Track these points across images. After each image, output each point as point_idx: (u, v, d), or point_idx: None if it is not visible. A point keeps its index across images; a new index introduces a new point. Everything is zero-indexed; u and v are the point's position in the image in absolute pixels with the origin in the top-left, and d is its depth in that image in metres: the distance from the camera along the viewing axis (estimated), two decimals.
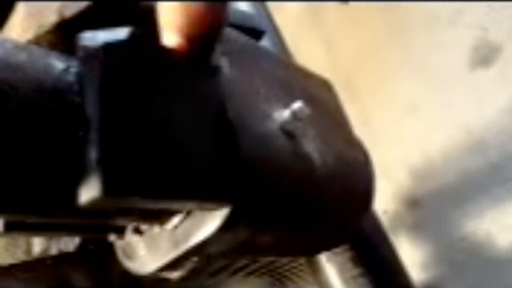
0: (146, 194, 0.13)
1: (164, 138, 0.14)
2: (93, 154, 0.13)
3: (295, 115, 0.19)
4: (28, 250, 0.33)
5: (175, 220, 0.18)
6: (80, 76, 0.14)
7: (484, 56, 0.79)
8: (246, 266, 0.43)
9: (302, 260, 0.50)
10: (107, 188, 0.12)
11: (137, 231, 0.19)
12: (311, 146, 0.21)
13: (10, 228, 0.17)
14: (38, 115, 0.13)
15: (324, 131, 0.22)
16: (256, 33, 0.29)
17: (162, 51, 0.15)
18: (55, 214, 0.14)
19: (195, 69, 0.16)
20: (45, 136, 0.13)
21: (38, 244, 0.32)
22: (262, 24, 0.33)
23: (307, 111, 0.19)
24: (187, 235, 0.18)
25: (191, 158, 0.15)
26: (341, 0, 0.97)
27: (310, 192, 0.21)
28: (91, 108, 0.13)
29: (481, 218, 0.76)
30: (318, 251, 0.26)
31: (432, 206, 0.81)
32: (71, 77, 0.14)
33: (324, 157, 0.21)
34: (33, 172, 0.13)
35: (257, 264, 0.45)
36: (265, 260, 0.44)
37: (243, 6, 0.44)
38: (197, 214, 0.18)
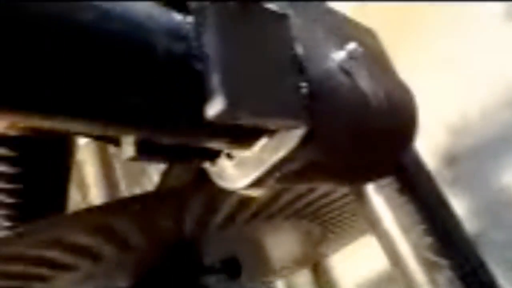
0: (253, 111, 0.18)
1: (262, 70, 0.19)
2: (215, 79, 0.17)
3: (350, 55, 0.24)
4: None
5: (260, 143, 0.23)
6: (194, 25, 0.19)
7: None
8: (299, 210, 0.48)
9: (349, 207, 0.55)
10: (230, 102, 0.17)
11: (228, 156, 0.24)
12: (364, 83, 0.25)
13: (141, 151, 0.22)
14: (170, 55, 0.18)
15: (374, 71, 0.26)
16: None
17: (253, 3, 0.19)
18: (183, 130, 0.19)
19: (273, 16, 0.21)
20: (174, 69, 0.18)
21: None
22: None
23: (361, 51, 0.24)
24: (271, 154, 0.23)
25: (279, 86, 0.20)
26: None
27: (366, 121, 0.25)
28: (210, 48, 0.18)
29: None
30: (370, 178, 0.30)
31: (470, 162, 0.83)
32: (187, 25, 0.19)
33: (375, 93, 0.25)
34: (164, 94, 0.18)
35: (308, 210, 0.49)
36: (315, 204, 0.49)
37: None
38: (278, 137, 0.22)
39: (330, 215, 0.53)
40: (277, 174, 0.24)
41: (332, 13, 0.27)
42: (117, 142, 0.31)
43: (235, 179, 0.24)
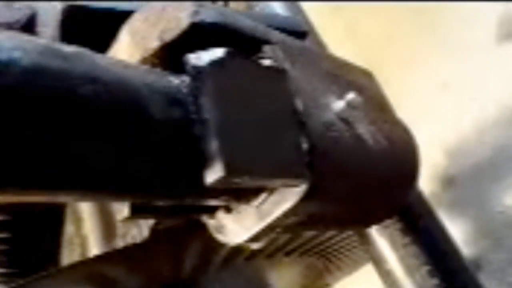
0: (253, 174, 0.17)
1: (262, 130, 0.18)
2: (214, 145, 0.17)
3: (349, 104, 0.23)
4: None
5: (260, 198, 0.22)
6: (191, 89, 0.18)
7: (509, 29, 0.80)
8: (298, 246, 0.47)
9: (351, 239, 0.54)
10: (229, 169, 0.16)
11: (227, 209, 0.24)
12: (363, 129, 0.24)
13: (135, 212, 0.21)
14: (167, 120, 0.17)
15: (372, 115, 0.26)
16: (300, 34, 0.33)
17: (250, 62, 0.19)
18: (181, 195, 0.19)
19: (271, 73, 0.20)
20: (171, 134, 0.17)
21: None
22: (301, 24, 0.37)
23: (359, 99, 0.23)
24: (271, 209, 0.22)
25: (279, 145, 0.19)
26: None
27: (367, 169, 0.25)
28: (208, 111, 0.17)
29: None
30: (373, 222, 0.30)
31: (468, 183, 0.83)
32: (185, 90, 0.18)
33: (375, 137, 0.25)
34: (162, 161, 0.17)
35: (308, 245, 0.48)
36: (315, 240, 0.48)
37: (278, 7, 0.48)
38: (279, 192, 0.22)
39: (331, 248, 0.52)
40: (277, 230, 0.23)
41: (330, 58, 0.27)
42: None
43: (235, 234, 0.23)
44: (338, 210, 0.25)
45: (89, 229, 0.78)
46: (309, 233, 0.44)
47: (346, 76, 0.26)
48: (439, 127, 0.85)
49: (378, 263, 0.33)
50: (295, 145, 0.20)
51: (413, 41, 0.90)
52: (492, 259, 0.82)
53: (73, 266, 0.32)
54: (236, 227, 0.23)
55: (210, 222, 0.25)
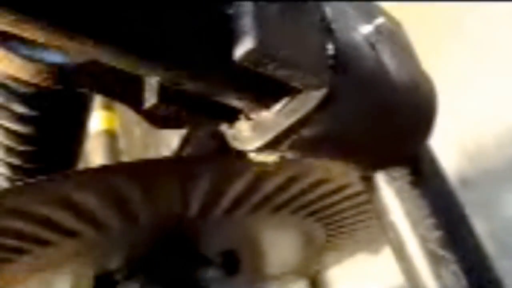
0: (280, 58, 0.18)
1: (292, 24, 0.19)
2: (246, 22, 0.18)
3: (377, 29, 0.24)
4: None
5: (280, 105, 0.23)
6: None
7: None
8: (305, 205, 0.48)
9: (355, 213, 0.54)
10: (259, 43, 0.17)
11: (247, 118, 0.24)
12: (388, 60, 0.25)
13: (163, 98, 0.22)
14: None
15: (398, 52, 0.27)
16: None
17: None
18: (209, 73, 0.20)
19: None
20: (204, 9, 0.18)
21: None
22: None
23: (388, 26, 0.24)
24: (289, 116, 0.23)
25: (306, 42, 0.20)
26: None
27: (385, 97, 0.25)
28: None
29: None
30: (383, 163, 0.30)
31: (482, 187, 0.82)
32: None
33: (398, 70, 0.26)
34: (194, 33, 0.18)
35: (314, 206, 0.49)
36: (321, 202, 0.48)
37: None
38: (298, 99, 0.22)
39: (335, 217, 0.53)
40: (293, 137, 0.24)
41: None
42: (136, 105, 0.32)
43: (250, 140, 0.24)
44: (352, 133, 0.25)
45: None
46: (318, 191, 0.45)
47: (379, 13, 0.27)
48: (457, 127, 0.85)
49: (382, 214, 0.33)
50: (321, 46, 0.21)
51: (437, 36, 0.89)
52: (502, 263, 0.80)
53: (85, 172, 0.33)
54: (252, 134, 0.24)
55: (229, 131, 0.26)
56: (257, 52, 0.18)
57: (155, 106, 0.23)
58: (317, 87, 0.21)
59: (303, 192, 0.43)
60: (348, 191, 0.46)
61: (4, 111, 0.39)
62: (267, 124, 0.24)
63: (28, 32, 0.17)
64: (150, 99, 0.23)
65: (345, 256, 0.74)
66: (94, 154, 0.86)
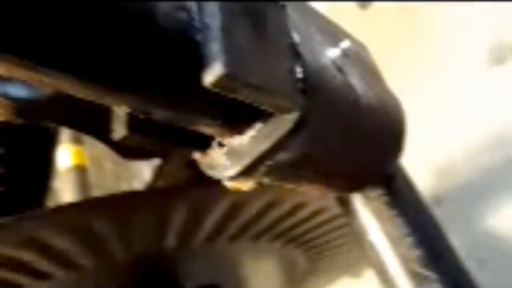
0: (250, 82, 0.18)
1: (260, 48, 0.19)
2: (215, 47, 0.18)
3: (344, 52, 0.24)
4: None
5: (253, 131, 0.23)
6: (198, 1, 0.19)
7: (500, 55, 0.83)
8: (284, 232, 0.47)
9: (336, 236, 0.54)
10: (228, 68, 0.17)
11: (220, 145, 0.24)
12: (355, 81, 0.25)
13: (132, 129, 0.22)
14: (170, 22, 0.18)
15: (365, 74, 0.27)
16: None
17: None
18: (178, 100, 0.19)
19: (272, 3, 0.21)
20: (173, 36, 0.18)
21: None
22: None
23: (354, 49, 0.24)
24: (263, 141, 0.23)
25: (275, 65, 0.20)
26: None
27: (356, 119, 0.26)
28: (211, 17, 0.18)
29: (504, 213, 0.78)
30: (359, 185, 0.30)
31: (456, 204, 0.83)
32: (191, 2, 0.19)
33: (366, 91, 0.26)
34: (162, 58, 0.18)
35: (294, 232, 0.49)
36: (301, 227, 0.48)
37: None
38: (271, 124, 0.22)
39: (316, 241, 0.52)
40: (268, 163, 0.23)
41: (326, 20, 0.28)
42: (104, 137, 0.31)
43: (225, 168, 0.24)
44: (326, 155, 0.25)
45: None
46: (297, 216, 0.45)
47: (342, 36, 0.27)
48: (427, 146, 0.87)
49: (361, 235, 0.33)
50: (290, 70, 0.21)
51: (407, 60, 0.93)
52: (477, 280, 0.81)
53: (56, 211, 0.32)
54: (227, 161, 0.24)
55: (202, 160, 0.26)
56: (227, 78, 0.18)
57: (124, 138, 0.22)
58: (289, 111, 0.21)
59: (281, 218, 0.43)
60: (325, 215, 0.46)
61: None
62: (241, 151, 0.23)
63: None
64: (119, 131, 0.22)
65: (327, 281, 0.73)
66: (65, 191, 0.83)
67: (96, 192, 0.78)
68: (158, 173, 0.41)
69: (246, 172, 0.24)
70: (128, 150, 0.33)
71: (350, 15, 1.06)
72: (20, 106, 0.28)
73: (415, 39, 0.93)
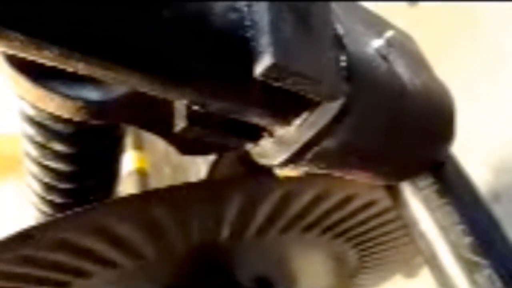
0: (299, 71, 0.20)
1: (307, 40, 0.21)
2: (264, 41, 0.19)
3: (388, 41, 0.25)
4: None
5: (300, 119, 0.24)
6: (248, 1, 0.21)
7: None
8: (334, 224, 0.48)
9: (388, 235, 0.54)
10: (277, 59, 0.19)
11: (270, 135, 0.26)
12: (402, 69, 0.26)
13: (192, 122, 0.24)
14: (224, 23, 0.20)
15: (411, 63, 0.28)
16: None
17: None
18: (233, 92, 0.21)
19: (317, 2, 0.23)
20: (227, 35, 0.20)
21: None
22: None
23: (399, 39, 0.25)
24: (309, 128, 0.24)
25: (321, 56, 0.21)
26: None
27: (402, 107, 0.26)
28: (260, 15, 0.20)
29: None
30: (405, 174, 0.31)
31: None
32: (242, 3, 0.21)
33: (412, 80, 0.27)
34: (218, 55, 0.20)
35: (344, 225, 0.49)
36: (352, 220, 0.49)
37: None
38: (317, 112, 0.24)
39: (366, 236, 0.53)
40: (315, 150, 0.25)
41: (371, 12, 0.29)
42: (168, 136, 0.34)
43: (274, 155, 0.26)
44: (372, 143, 0.26)
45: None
46: (347, 209, 0.45)
47: (387, 27, 0.28)
48: (486, 141, 0.84)
49: (412, 224, 0.34)
50: (334, 59, 0.22)
51: (461, 51, 0.90)
52: None
53: (122, 201, 0.35)
54: (275, 149, 0.26)
55: (254, 150, 0.27)
56: (275, 67, 0.19)
57: (184, 130, 0.24)
58: (334, 99, 0.22)
59: (330, 211, 0.44)
60: (375, 208, 0.46)
61: (44, 150, 0.42)
62: (290, 139, 0.25)
63: (69, 65, 0.19)
64: (179, 123, 0.25)
65: (380, 279, 0.72)
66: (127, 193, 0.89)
67: None
68: (213, 168, 0.44)
69: (294, 159, 0.25)
70: (186, 146, 0.35)
71: (398, 14, 1.05)
72: (92, 107, 0.32)
73: (466, 36, 0.91)
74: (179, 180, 0.73)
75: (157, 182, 0.88)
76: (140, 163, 0.92)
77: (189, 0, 0.19)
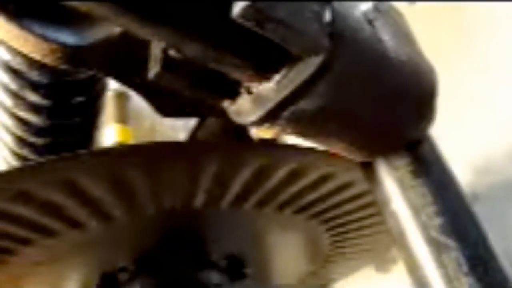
0: (278, 16, 0.19)
1: None
2: None
3: (376, 6, 0.25)
4: None
5: (280, 74, 0.24)
6: None
7: None
8: (310, 204, 0.48)
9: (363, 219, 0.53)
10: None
11: (248, 92, 0.25)
12: (387, 37, 0.26)
13: (166, 67, 0.23)
14: None
15: (398, 35, 0.27)
16: None
17: None
18: (209, 32, 0.21)
19: None
20: None
21: None
22: None
23: (388, 8, 0.25)
24: (287, 85, 0.23)
25: (305, 7, 0.21)
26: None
27: (383, 74, 0.26)
28: None
29: None
30: (381, 149, 0.30)
31: (493, 202, 0.81)
32: None
33: (396, 51, 0.26)
34: None
35: (320, 206, 0.49)
36: (328, 201, 0.48)
37: None
38: (296, 68, 0.23)
39: (339, 220, 0.52)
40: (291, 109, 0.24)
41: None
42: (145, 93, 0.33)
43: (250, 112, 0.25)
44: (350, 109, 0.26)
45: None
46: (323, 189, 0.45)
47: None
48: (466, 142, 0.84)
49: (384, 203, 0.33)
50: (318, 13, 0.21)
51: (451, 60, 0.90)
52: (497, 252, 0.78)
53: (88, 155, 0.34)
54: (252, 106, 0.25)
55: (231, 108, 0.27)
56: (254, 9, 0.18)
57: (158, 75, 0.24)
58: (315, 53, 0.22)
59: (306, 189, 0.43)
60: (352, 190, 0.46)
61: (18, 100, 0.40)
62: (267, 95, 0.24)
63: None
64: (153, 68, 0.24)
65: (352, 268, 0.73)
66: None
67: None
68: (193, 135, 0.43)
69: (268, 118, 0.24)
70: (165, 106, 0.34)
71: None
72: (68, 51, 0.30)
73: (460, 37, 0.91)
74: None
75: None
76: (123, 137, 0.90)
77: None
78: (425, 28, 0.98)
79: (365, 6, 0.25)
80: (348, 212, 0.50)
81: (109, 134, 0.90)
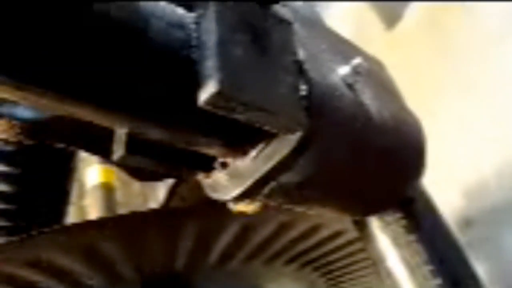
0: (248, 100, 0.17)
1: (260, 65, 0.18)
2: (210, 64, 0.17)
3: (355, 69, 0.23)
4: None
5: (256, 150, 0.22)
6: (196, 17, 0.18)
7: None
8: (299, 255, 0.46)
9: (355, 263, 0.51)
10: (222, 86, 0.16)
11: (223, 165, 0.23)
12: (368, 100, 0.24)
13: (131, 150, 0.21)
14: (166, 40, 0.18)
15: (380, 93, 0.26)
16: None
17: (260, 7, 0.19)
18: (175, 120, 0.19)
19: (277, 21, 0.20)
20: (169, 54, 0.18)
21: None
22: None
23: (366, 66, 0.23)
24: (265, 161, 0.21)
25: (276, 83, 0.19)
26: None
27: (367, 139, 0.24)
28: (207, 34, 0.17)
29: None
30: (372, 208, 0.28)
31: (485, 226, 0.79)
32: (189, 18, 0.19)
33: (380, 111, 0.24)
34: (158, 81, 0.18)
35: (309, 256, 0.47)
36: (317, 251, 0.46)
37: None
38: (274, 144, 0.21)
39: (333, 266, 0.50)
40: (272, 184, 0.22)
41: (338, 35, 0.27)
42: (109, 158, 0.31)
43: (227, 190, 0.23)
44: (336, 178, 0.24)
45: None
46: (312, 240, 0.43)
47: (355, 52, 0.26)
48: (457, 167, 0.83)
49: (379, 261, 0.31)
50: (292, 88, 0.20)
51: (436, 82, 0.90)
52: None
53: (60, 231, 0.31)
54: (229, 182, 0.23)
55: (206, 181, 0.25)
56: (221, 96, 0.17)
57: (122, 158, 0.22)
58: (292, 131, 0.20)
59: (295, 240, 0.41)
60: (342, 239, 0.44)
61: None
62: (244, 172, 0.22)
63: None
64: (118, 151, 0.22)
65: None
66: (92, 208, 0.84)
67: (123, 210, 0.79)
68: (172, 193, 0.41)
69: (248, 194, 0.23)
70: (140, 172, 0.32)
71: (377, 37, 1.05)
72: (27, 126, 0.28)
73: (444, 57, 0.91)
74: (147, 196, 0.69)
75: (125, 197, 0.83)
76: (107, 177, 0.87)
77: (122, 13, 0.17)
78: (407, 53, 0.98)
79: (343, 70, 0.23)
80: (340, 259, 0.48)
81: (92, 174, 0.87)
